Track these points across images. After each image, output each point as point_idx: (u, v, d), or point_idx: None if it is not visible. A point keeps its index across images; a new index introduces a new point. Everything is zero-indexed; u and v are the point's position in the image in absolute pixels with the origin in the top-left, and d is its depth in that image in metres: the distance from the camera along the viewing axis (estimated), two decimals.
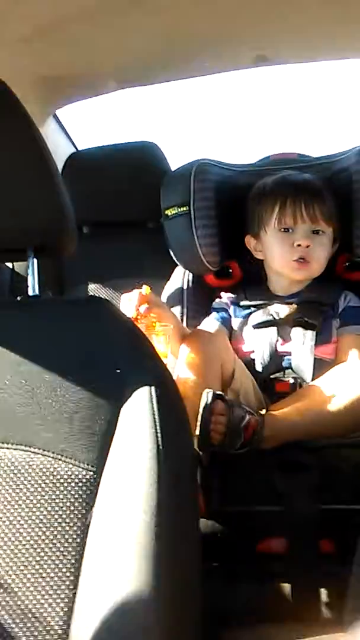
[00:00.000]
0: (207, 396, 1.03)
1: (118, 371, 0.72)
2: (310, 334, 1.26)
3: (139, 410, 0.70)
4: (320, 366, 1.24)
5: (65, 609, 0.63)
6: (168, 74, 1.75)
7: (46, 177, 0.79)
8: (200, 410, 1.02)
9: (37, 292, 0.86)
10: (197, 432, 1.01)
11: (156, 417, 0.68)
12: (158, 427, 0.67)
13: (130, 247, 1.94)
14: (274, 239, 1.32)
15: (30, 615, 0.62)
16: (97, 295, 1.86)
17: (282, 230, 1.30)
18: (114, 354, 0.74)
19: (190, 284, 1.46)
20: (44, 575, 0.64)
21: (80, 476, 0.68)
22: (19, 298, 0.86)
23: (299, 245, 1.28)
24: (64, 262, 1.95)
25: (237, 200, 1.43)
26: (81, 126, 2.13)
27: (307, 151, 1.58)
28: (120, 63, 1.65)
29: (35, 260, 0.85)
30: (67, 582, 0.63)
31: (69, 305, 0.83)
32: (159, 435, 0.67)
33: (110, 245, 1.92)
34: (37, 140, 0.79)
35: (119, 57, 1.61)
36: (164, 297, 1.48)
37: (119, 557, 0.61)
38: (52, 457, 0.69)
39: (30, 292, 0.86)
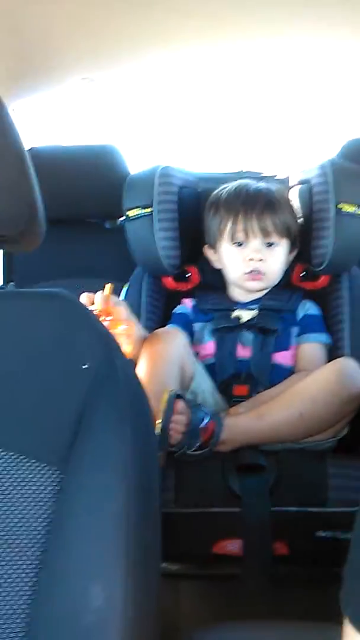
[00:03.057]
0: (169, 395, 1.03)
1: (84, 367, 0.71)
2: (269, 340, 1.28)
3: (106, 406, 0.68)
4: (278, 372, 1.26)
5: (26, 609, 0.61)
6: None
7: (17, 163, 0.76)
8: (162, 408, 1.02)
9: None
10: (157, 430, 1.01)
11: (124, 412, 0.68)
12: (127, 423, 0.67)
13: (85, 247, 1.92)
14: (228, 252, 1.33)
15: None
16: None
17: (235, 244, 1.32)
18: (80, 350, 0.72)
19: (149, 286, 1.46)
20: (4, 576, 0.62)
21: (46, 476, 0.66)
22: None
23: (251, 259, 1.30)
24: (14, 259, 1.91)
25: (198, 206, 1.43)
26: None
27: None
28: (82, 53, 1.62)
29: (0, 252, 0.82)
30: (26, 586, 0.61)
31: (35, 298, 0.81)
32: (127, 430, 0.66)
33: (64, 244, 1.89)
34: (8, 123, 0.75)
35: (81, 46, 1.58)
36: (121, 299, 1.46)
37: (84, 552, 0.60)
38: (14, 456, 0.66)
39: None
